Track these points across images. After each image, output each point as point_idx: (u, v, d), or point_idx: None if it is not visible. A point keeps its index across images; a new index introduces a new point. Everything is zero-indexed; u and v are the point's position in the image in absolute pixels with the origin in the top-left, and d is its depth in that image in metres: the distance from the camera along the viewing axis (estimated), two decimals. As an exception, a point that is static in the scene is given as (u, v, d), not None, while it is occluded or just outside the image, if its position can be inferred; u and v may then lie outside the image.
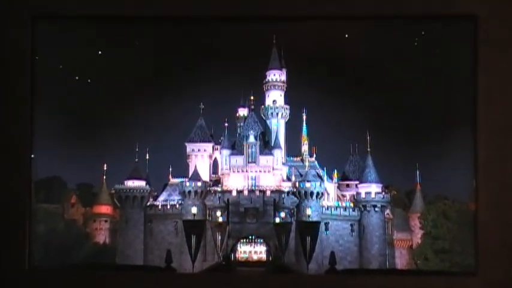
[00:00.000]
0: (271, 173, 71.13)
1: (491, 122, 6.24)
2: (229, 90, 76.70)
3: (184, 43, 62.19)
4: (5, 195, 6.43)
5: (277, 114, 75.09)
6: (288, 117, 75.99)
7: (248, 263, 65.31)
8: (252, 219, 68.59)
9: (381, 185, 72.78)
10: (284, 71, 75.50)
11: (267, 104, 75.58)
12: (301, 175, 71.82)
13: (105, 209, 77.77)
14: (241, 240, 69.07)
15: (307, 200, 68.77)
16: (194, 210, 67.98)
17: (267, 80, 75.56)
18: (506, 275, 6.13)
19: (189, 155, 75.57)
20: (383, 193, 71.92)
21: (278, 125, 74.84)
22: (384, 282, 6.39)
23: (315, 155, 75.75)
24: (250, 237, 69.06)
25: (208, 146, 75.59)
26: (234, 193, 69.60)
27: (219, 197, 70.04)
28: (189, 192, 70.58)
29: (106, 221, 77.44)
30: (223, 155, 72.72)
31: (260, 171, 71.17)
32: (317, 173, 73.37)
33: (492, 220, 6.18)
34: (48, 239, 61.01)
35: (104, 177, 78.21)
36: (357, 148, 78.35)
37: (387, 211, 72.65)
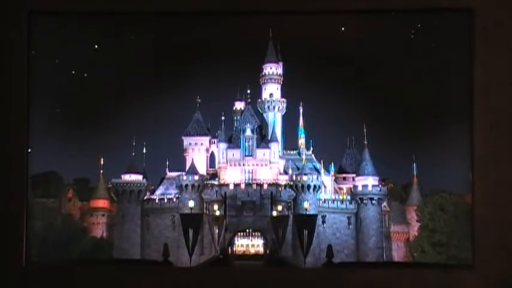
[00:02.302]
0: (268, 166, 71.15)
1: (488, 117, 6.24)
2: (225, 84, 76.50)
3: (182, 37, 61.95)
4: (1, 190, 6.41)
5: (273, 107, 75.03)
6: (284, 111, 75.94)
7: (245, 256, 65.43)
8: (249, 212, 68.63)
9: (377, 178, 72.83)
10: (280, 64, 75.39)
11: (263, 98, 75.51)
12: (298, 168, 71.83)
13: (102, 203, 77.60)
14: (239, 234, 69.11)
15: (304, 193, 68.79)
16: (191, 204, 67.97)
17: (263, 73, 75.45)
18: (502, 268, 6.15)
19: (186, 149, 75.53)
20: (380, 186, 72.00)
21: (275, 119, 74.84)
22: (381, 274, 6.41)
23: (311, 148, 75.81)
24: (247, 230, 69.13)
25: (205, 140, 75.54)
26: (231, 187, 69.61)
27: (216, 191, 70.02)
28: (186, 186, 70.56)
29: (103, 215, 77.26)
30: (220, 149, 72.72)
31: (257, 165, 71.21)
32: (314, 166, 73.40)
33: (488, 215, 6.20)
34: (46, 234, 60.97)
35: (101, 171, 78.09)
36: (353, 141, 78.37)
37: (384, 204, 72.72)
